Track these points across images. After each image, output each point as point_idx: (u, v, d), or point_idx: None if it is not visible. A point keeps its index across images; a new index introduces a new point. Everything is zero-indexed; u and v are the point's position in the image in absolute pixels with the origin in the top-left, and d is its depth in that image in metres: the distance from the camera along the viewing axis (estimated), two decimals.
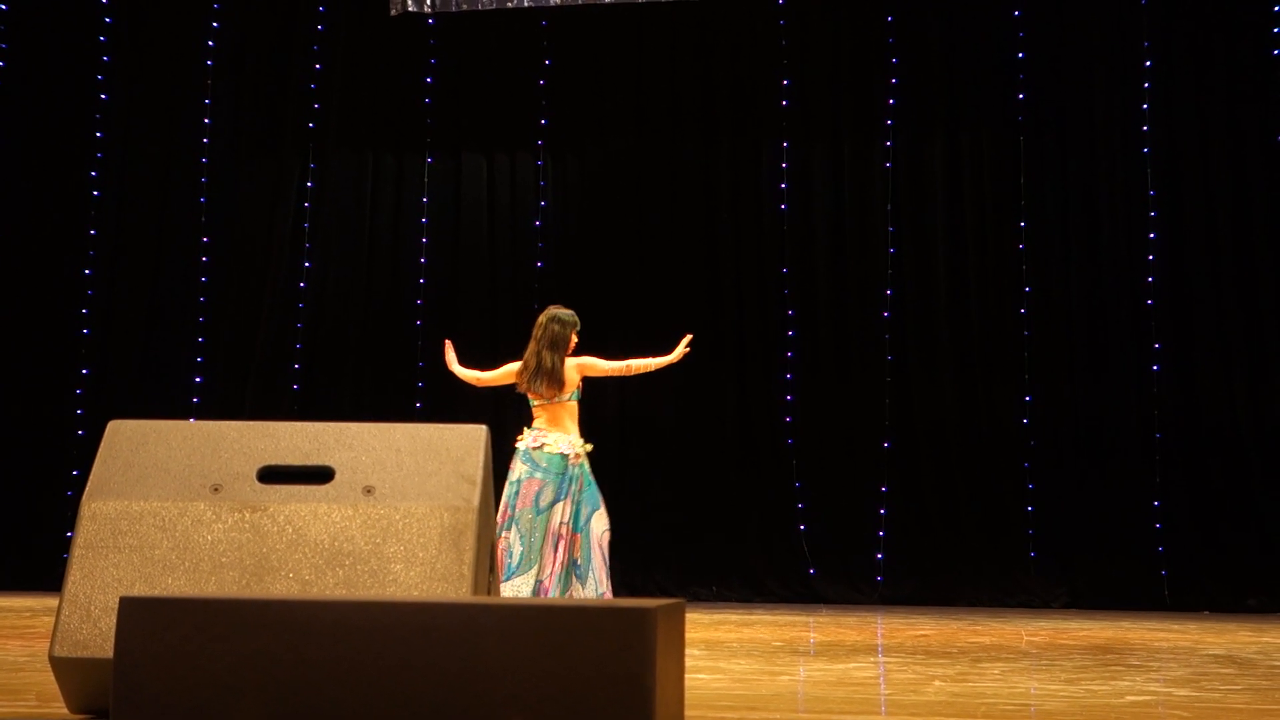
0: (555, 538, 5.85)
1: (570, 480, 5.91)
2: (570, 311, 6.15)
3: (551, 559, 5.82)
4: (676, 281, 9.28)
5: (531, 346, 6.06)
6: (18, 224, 9.64)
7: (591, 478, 5.99)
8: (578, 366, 6.07)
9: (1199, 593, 8.38)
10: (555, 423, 6.01)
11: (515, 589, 5.74)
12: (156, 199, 9.77)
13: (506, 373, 6.19)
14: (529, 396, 6.08)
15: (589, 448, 6.03)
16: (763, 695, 3.55)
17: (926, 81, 9.28)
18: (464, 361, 6.43)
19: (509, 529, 5.84)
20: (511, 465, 5.96)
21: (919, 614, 7.72)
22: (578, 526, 5.90)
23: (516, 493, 5.87)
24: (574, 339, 6.08)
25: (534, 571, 5.77)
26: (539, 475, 5.88)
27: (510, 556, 5.81)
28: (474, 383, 6.36)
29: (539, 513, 5.83)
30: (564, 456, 5.92)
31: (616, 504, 6.29)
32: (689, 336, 6.32)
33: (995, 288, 9.06)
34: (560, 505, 5.87)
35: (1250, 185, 8.79)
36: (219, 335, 9.62)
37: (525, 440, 5.99)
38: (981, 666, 4.45)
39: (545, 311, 6.18)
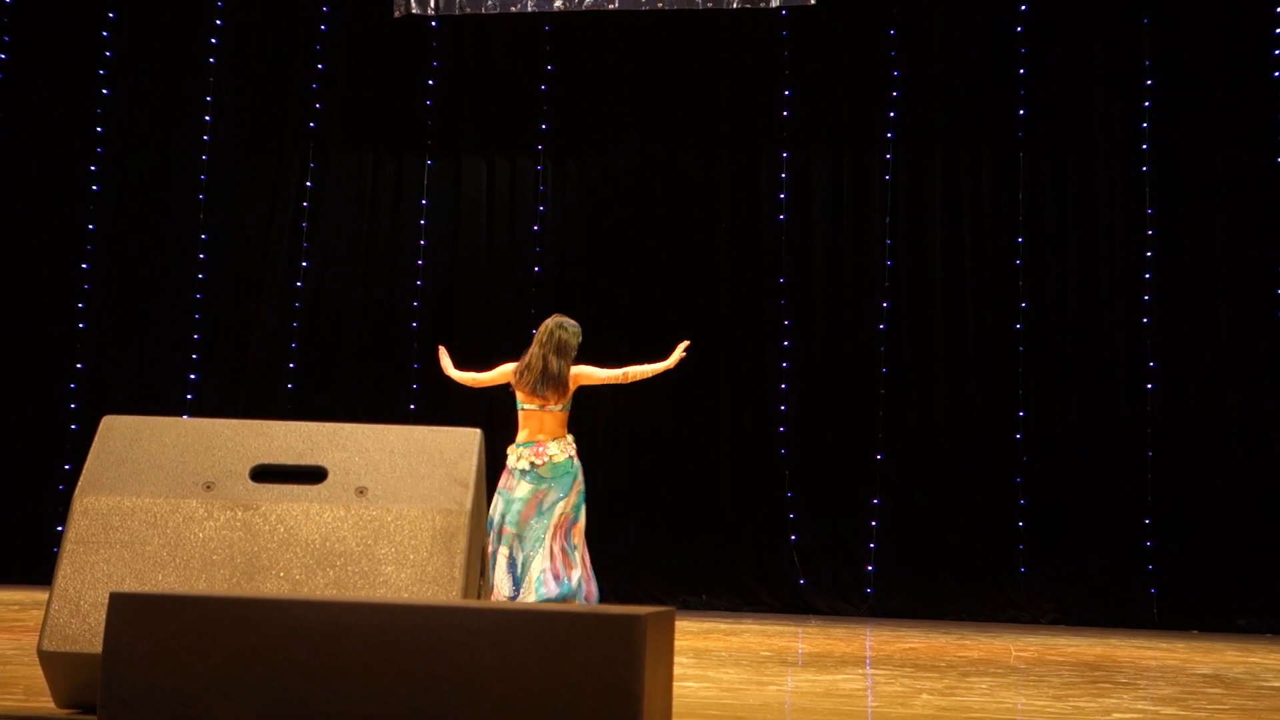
0: (554, 529, 5.87)
1: (573, 476, 5.94)
2: (576, 323, 6.14)
3: (553, 548, 5.84)
4: (673, 289, 9.28)
5: (535, 350, 6.02)
6: (16, 218, 9.63)
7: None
8: (574, 377, 6.05)
9: (1188, 611, 8.38)
10: (548, 430, 5.98)
11: (536, 572, 5.77)
12: (156, 195, 9.76)
13: (503, 373, 6.17)
14: (521, 400, 6.05)
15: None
16: (750, 705, 3.56)
17: (927, 95, 9.29)
18: (458, 365, 6.42)
19: (509, 544, 5.84)
20: (513, 484, 5.92)
21: (908, 627, 7.71)
22: (577, 517, 5.94)
23: (522, 509, 5.86)
24: (575, 350, 6.09)
25: (537, 562, 5.80)
26: (544, 486, 5.89)
27: (514, 568, 5.81)
28: (470, 384, 6.34)
29: (541, 516, 5.86)
30: (570, 459, 5.95)
31: (608, 511, 6.31)
32: (686, 343, 6.30)
33: (992, 302, 9.07)
34: (564, 501, 5.89)
35: (1248, 205, 8.82)
36: (215, 333, 9.61)
37: (526, 456, 5.93)
38: (969, 681, 4.46)
39: (552, 317, 6.15)
